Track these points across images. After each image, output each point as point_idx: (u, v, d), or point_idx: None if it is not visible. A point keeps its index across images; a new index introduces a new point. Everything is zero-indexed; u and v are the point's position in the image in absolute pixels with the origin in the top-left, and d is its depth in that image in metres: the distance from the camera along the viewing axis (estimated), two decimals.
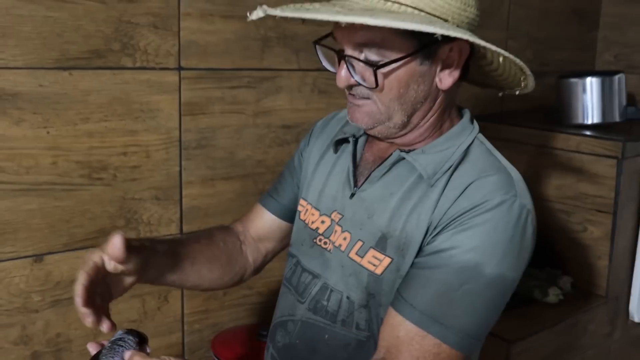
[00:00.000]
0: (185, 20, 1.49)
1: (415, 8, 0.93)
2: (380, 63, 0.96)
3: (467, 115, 1.10)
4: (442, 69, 1.00)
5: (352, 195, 1.10)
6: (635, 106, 2.20)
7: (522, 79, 1.07)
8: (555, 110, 2.10)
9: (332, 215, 1.12)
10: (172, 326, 1.62)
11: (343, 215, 1.10)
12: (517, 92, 1.13)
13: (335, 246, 1.10)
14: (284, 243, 1.29)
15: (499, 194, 0.96)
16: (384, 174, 1.07)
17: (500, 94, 1.18)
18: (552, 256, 2.02)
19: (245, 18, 1.52)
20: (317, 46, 1.05)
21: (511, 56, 0.97)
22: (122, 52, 1.42)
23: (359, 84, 0.99)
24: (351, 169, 1.12)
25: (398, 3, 0.93)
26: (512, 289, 0.99)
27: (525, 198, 1.00)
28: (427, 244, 0.99)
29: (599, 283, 1.94)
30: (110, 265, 0.95)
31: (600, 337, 1.97)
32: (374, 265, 1.04)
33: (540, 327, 1.75)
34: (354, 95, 1.02)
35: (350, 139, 1.14)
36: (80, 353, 1.47)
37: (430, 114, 1.04)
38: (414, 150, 1.05)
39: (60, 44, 1.34)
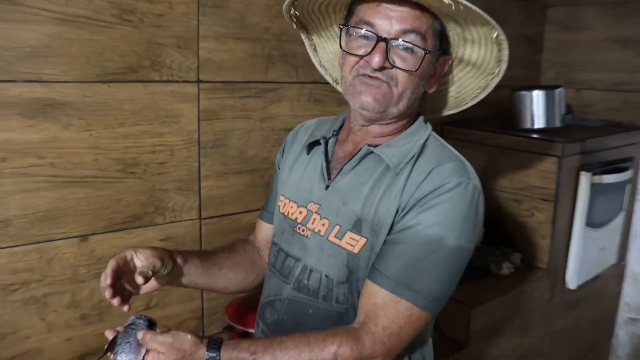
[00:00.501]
0: (204, 42, 1.50)
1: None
2: (427, 50, 0.95)
3: (421, 117, 1.10)
4: (432, 76, 1.02)
5: (327, 187, 1.08)
6: (572, 114, 2.23)
7: (478, 90, 1.09)
8: (509, 117, 2.12)
9: (309, 206, 1.10)
10: (193, 294, 1.63)
11: (320, 205, 1.08)
12: (445, 113, 1.17)
13: (314, 232, 1.08)
14: None
15: (456, 177, 0.97)
16: (355, 166, 1.05)
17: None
18: (505, 236, 2.06)
19: (253, 40, 1.57)
20: (342, 30, 1.02)
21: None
22: (151, 68, 1.43)
23: (393, 67, 0.96)
24: (324, 164, 1.10)
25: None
26: (469, 257, 0.99)
27: (476, 180, 1.00)
28: (396, 223, 0.99)
29: (542, 258, 1.98)
30: (139, 274, 0.98)
31: (543, 301, 2.00)
32: (352, 245, 1.02)
33: (495, 294, 1.79)
34: (374, 78, 0.98)
35: (322, 140, 1.13)
36: (118, 316, 1.48)
37: (410, 112, 1.05)
38: (379, 145, 1.04)
39: (101, 61, 1.35)
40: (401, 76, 0.97)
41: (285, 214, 1.15)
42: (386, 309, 0.95)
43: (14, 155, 1.27)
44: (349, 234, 1.03)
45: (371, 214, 1.01)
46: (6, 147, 1.26)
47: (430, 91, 1.05)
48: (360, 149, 1.05)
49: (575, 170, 1.96)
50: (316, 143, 1.15)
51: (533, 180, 1.96)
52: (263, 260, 1.28)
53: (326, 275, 1.06)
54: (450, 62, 1.05)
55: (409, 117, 1.07)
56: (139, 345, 0.90)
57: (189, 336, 0.91)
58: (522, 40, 2.52)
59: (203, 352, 0.91)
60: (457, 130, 2.12)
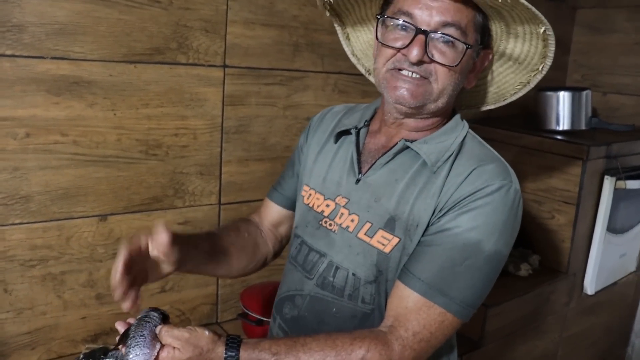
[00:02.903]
0: (231, 26, 1.49)
1: None
2: (468, 44, 0.89)
3: (458, 114, 1.05)
4: (471, 71, 0.96)
5: (358, 181, 1.02)
6: (598, 117, 2.19)
7: (519, 86, 1.03)
8: (533, 118, 2.08)
9: (337, 200, 1.04)
10: (208, 280, 1.62)
11: (349, 199, 1.02)
12: (492, 107, 1.10)
13: (341, 227, 1.02)
14: None
15: (498, 180, 0.92)
16: (389, 161, 0.99)
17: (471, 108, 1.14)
18: (525, 238, 2.02)
19: (281, 27, 1.55)
20: (380, 20, 0.95)
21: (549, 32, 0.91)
22: (178, 51, 1.41)
23: (432, 61, 0.90)
24: (355, 156, 1.04)
25: None
26: (504, 262, 0.95)
27: (517, 184, 0.95)
28: (432, 224, 0.93)
29: (561, 261, 1.94)
30: (153, 252, 0.89)
31: (560, 305, 1.97)
32: (383, 244, 0.97)
33: (512, 295, 1.75)
34: (415, 72, 0.92)
35: (353, 131, 1.07)
36: None
37: (449, 106, 1.00)
38: (415, 140, 0.99)
39: (128, 41, 1.34)
40: (441, 71, 0.92)
41: (311, 205, 1.10)
42: (418, 314, 0.90)
43: (39, 132, 1.27)
44: (381, 233, 0.98)
45: (406, 212, 0.95)
46: (31, 123, 1.25)
47: (469, 87, 0.99)
48: (396, 143, 1.00)
49: (599, 174, 1.92)
50: (345, 132, 1.09)
51: (555, 182, 1.92)
52: (265, 245, 1.21)
53: (353, 274, 1.00)
54: (490, 56, 0.99)
55: (445, 113, 1.02)
56: (154, 339, 0.85)
57: (207, 332, 0.86)
58: None
59: (221, 350, 0.86)
60: (480, 128, 2.07)
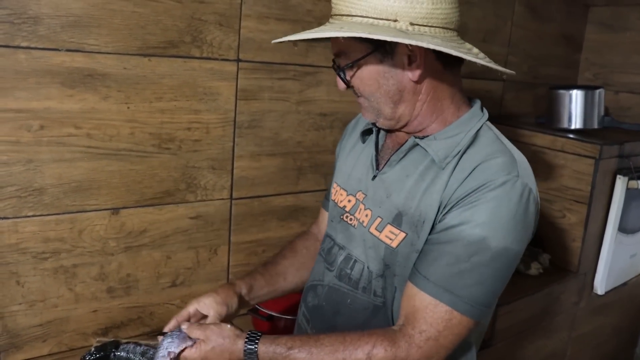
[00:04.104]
0: (245, 21, 1.48)
1: (363, 16, 0.90)
2: (341, 67, 0.98)
3: (477, 104, 1.03)
4: (409, 63, 0.94)
5: (374, 177, 1.06)
6: (610, 116, 2.18)
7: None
8: (545, 116, 2.07)
9: (357, 195, 1.08)
10: (219, 274, 1.62)
11: (366, 195, 1.06)
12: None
13: (359, 222, 1.06)
14: None
15: (502, 174, 0.90)
16: (401, 158, 1.02)
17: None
18: (535, 236, 1.94)
19: (294, 21, 1.55)
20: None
21: (452, 51, 0.88)
22: (192, 44, 1.41)
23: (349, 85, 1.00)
24: (374, 154, 1.08)
25: (351, 15, 0.92)
26: (517, 260, 0.94)
27: (526, 178, 0.93)
28: (438, 222, 0.94)
29: (572, 261, 1.94)
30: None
31: (569, 304, 1.97)
32: (390, 239, 0.99)
33: (522, 294, 1.76)
34: (355, 95, 1.03)
35: (374, 129, 1.10)
36: (144, 291, 1.48)
37: (419, 104, 0.99)
38: (427, 136, 0.99)
39: (142, 34, 1.33)
40: (359, 89, 1.00)
41: (336, 201, 1.15)
42: (424, 312, 0.91)
43: (53, 124, 1.27)
44: (389, 228, 1.00)
45: (412, 208, 0.97)
46: (45, 115, 1.25)
47: (415, 79, 0.95)
48: (407, 140, 1.02)
49: (611, 174, 1.91)
50: (369, 131, 1.12)
51: (567, 180, 1.92)
52: None
53: (367, 267, 1.04)
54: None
55: (433, 104, 0.99)
56: (187, 337, 0.99)
57: (229, 326, 0.97)
58: (561, 38, 2.46)
59: (242, 343, 0.96)
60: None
